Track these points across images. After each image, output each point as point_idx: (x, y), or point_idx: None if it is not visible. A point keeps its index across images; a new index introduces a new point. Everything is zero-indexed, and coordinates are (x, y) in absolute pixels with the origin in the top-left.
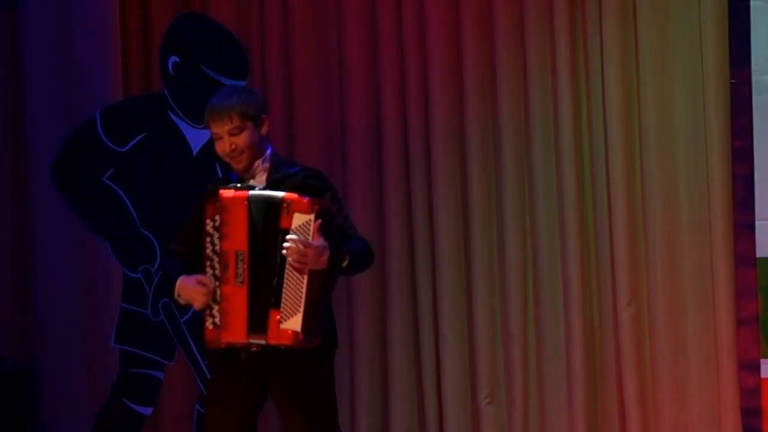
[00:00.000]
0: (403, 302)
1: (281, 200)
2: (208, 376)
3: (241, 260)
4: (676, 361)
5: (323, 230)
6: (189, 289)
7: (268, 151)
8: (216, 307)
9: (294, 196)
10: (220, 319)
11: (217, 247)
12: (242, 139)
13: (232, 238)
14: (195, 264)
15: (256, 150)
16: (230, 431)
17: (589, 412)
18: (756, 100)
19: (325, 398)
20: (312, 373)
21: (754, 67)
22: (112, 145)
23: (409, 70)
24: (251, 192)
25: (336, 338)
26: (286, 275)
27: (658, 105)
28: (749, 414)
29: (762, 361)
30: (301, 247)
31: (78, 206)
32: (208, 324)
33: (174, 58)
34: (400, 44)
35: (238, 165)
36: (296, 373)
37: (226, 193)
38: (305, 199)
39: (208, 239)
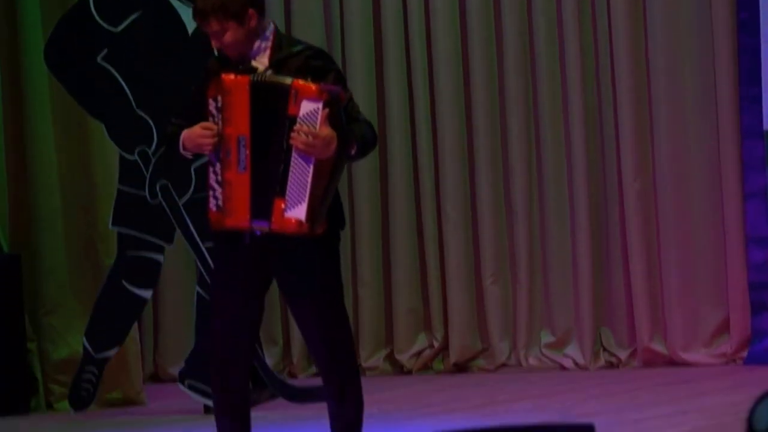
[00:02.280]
0: (405, 182)
1: (289, 87)
2: (209, 260)
3: (243, 146)
4: (683, 237)
5: (332, 118)
6: (194, 135)
7: (268, 31)
8: (219, 189)
9: (302, 82)
10: (223, 204)
11: (220, 129)
12: (226, 39)
13: (234, 123)
14: None
15: (244, 44)
16: (236, 315)
17: (595, 290)
18: None
19: (331, 281)
20: (317, 257)
21: None
22: (105, 25)
23: None
24: (254, 76)
25: (343, 220)
26: (292, 163)
27: None
28: (757, 288)
29: None
30: (309, 138)
31: (72, 87)
32: (212, 206)
33: None
34: None
35: (231, 56)
36: (301, 257)
37: (228, 76)
38: (314, 86)
39: (210, 119)
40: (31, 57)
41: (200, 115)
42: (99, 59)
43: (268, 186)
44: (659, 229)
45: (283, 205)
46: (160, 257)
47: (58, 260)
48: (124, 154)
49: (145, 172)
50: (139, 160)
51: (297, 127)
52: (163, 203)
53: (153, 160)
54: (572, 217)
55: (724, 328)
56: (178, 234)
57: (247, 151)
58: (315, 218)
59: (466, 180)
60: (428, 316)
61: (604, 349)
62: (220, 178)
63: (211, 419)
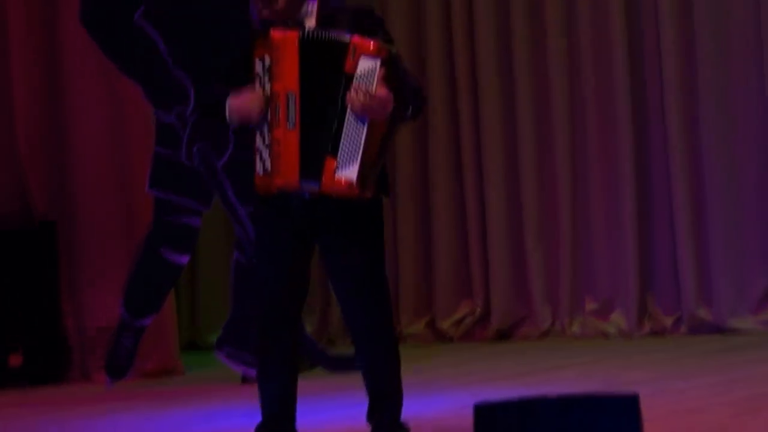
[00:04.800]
0: (447, 143)
1: (347, 43)
2: (248, 224)
3: (293, 102)
4: (729, 201)
5: (388, 77)
6: (242, 101)
7: None
8: (266, 152)
9: (360, 38)
10: (271, 164)
11: (267, 90)
12: (280, 4)
13: (283, 79)
14: None
15: (295, 8)
16: (283, 284)
17: (639, 255)
18: None
19: (374, 244)
20: (362, 220)
21: None
22: None
23: None
24: (304, 31)
25: (388, 186)
26: (346, 122)
27: None
28: None
29: None
30: (366, 98)
31: (108, 46)
32: (258, 170)
33: None
34: None
35: (278, 7)
36: (346, 221)
37: (276, 32)
38: (372, 42)
39: (257, 80)
40: (66, 14)
41: (246, 78)
42: (135, 17)
43: (319, 144)
44: (705, 192)
45: (334, 165)
46: (197, 222)
47: (94, 226)
48: (161, 115)
49: (181, 134)
50: (175, 121)
51: (354, 85)
52: (201, 166)
53: (190, 122)
54: (616, 180)
55: None
56: (216, 198)
57: (297, 108)
58: (365, 181)
59: (508, 142)
60: (470, 282)
61: (649, 316)
62: (267, 140)
63: (250, 388)
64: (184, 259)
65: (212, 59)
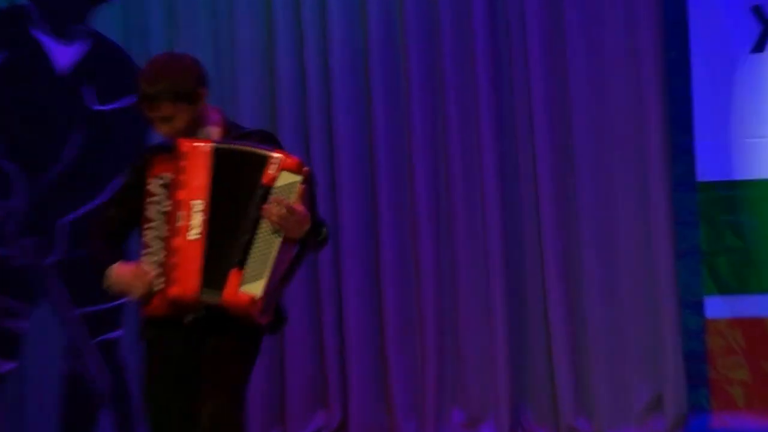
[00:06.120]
0: None
1: (267, 155)
2: (83, 329)
3: (199, 211)
4: (611, 301)
5: (307, 197)
6: (127, 276)
7: (218, 115)
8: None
9: (284, 153)
10: (168, 276)
11: (164, 206)
12: (178, 124)
13: (188, 188)
14: (132, 231)
15: (195, 125)
16: (175, 407)
17: (512, 360)
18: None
19: (244, 369)
20: (244, 345)
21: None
22: None
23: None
24: (219, 143)
25: (285, 317)
26: (258, 234)
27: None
28: (692, 358)
29: (706, 298)
30: (283, 210)
31: None
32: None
33: None
34: None
35: (178, 125)
36: (229, 339)
37: (186, 142)
38: (295, 159)
39: (150, 199)
40: None
41: (138, 201)
42: None
43: (225, 255)
44: (584, 293)
45: (240, 278)
46: (24, 325)
47: None
48: None
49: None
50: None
51: (273, 198)
52: (30, 263)
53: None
54: (486, 278)
55: (657, 402)
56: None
57: (203, 217)
58: (269, 301)
59: (371, 236)
60: (326, 391)
61: (523, 428)
62: (161, 256)
63: None
64: (6, 367)
65: (45, 149)
